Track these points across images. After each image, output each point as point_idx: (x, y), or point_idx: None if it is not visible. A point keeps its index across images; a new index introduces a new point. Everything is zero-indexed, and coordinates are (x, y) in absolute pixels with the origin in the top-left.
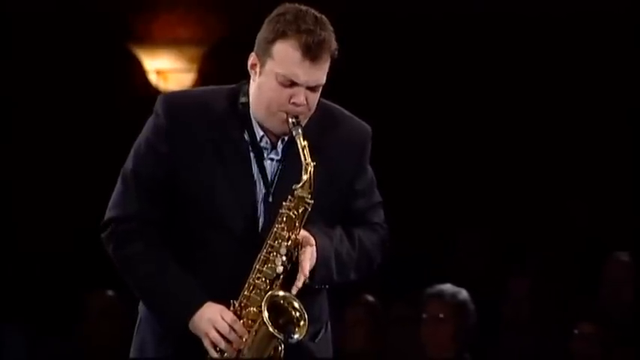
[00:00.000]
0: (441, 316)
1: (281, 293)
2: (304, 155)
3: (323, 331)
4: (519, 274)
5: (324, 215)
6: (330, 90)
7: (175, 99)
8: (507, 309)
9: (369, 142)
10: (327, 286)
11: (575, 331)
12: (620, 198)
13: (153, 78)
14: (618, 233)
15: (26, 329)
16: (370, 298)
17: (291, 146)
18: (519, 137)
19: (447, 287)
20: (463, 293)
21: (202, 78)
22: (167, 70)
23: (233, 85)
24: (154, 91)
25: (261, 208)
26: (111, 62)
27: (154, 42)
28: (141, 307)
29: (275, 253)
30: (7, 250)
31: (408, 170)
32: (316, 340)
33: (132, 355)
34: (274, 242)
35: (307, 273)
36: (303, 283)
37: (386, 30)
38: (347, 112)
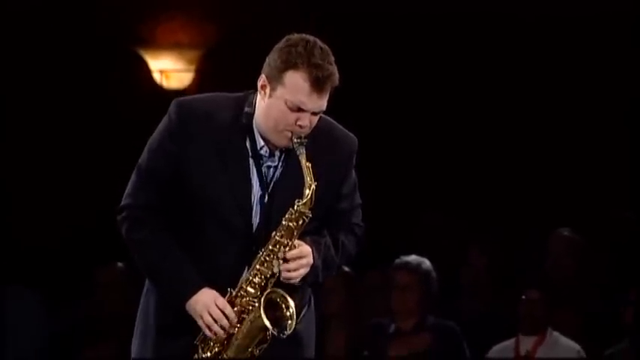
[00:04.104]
0: (408, 284)
1: (279, 291)
2: (308, 175)
3: (305, 309)
4: (477, 248)
5: (313, 216)
6: None
7: (187, 105)
8: (466, 278)
9: (355, 152)
10: None
11: (523, 297)
12: (567, 175)
13: (156, 77)
14: (561, 210)
15: (46, 295)
16: (346, 268)
17: (288, 155)
18: (481, 127)
19: (412, 258)
20: (426, 263)
21: (200, 77)
22: (169, 70)
23: (240, 94)
24: (157, 88)
25: (257, 208)
26: (120, 63)
27: (158, 45)
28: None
29: (273, 256)
30: (31, 227)
31: (384, 160)
32: (298, 319)
33: (138, 315)
34: (274, 247)
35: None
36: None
37: (356, 27)
38: (336, 124)
